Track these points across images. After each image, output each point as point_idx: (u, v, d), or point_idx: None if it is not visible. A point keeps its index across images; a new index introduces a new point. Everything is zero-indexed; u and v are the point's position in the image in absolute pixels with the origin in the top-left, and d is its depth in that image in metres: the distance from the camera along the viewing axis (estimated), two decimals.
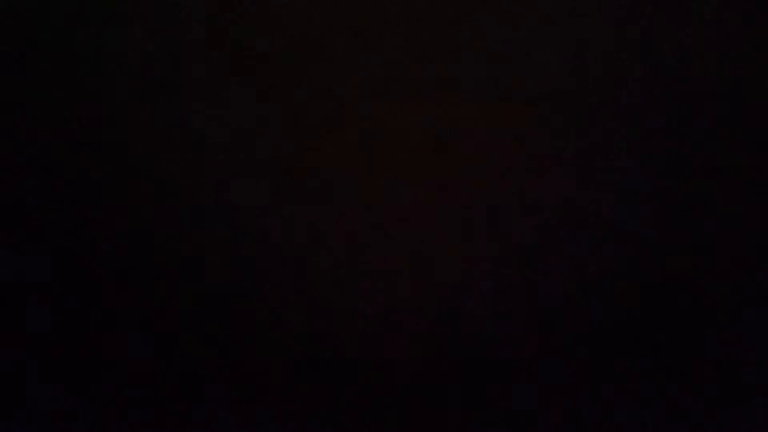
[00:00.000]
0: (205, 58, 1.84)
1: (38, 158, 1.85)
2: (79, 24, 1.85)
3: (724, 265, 1.80)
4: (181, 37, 1.85)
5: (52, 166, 1.85)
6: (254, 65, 1.84)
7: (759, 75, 1.81)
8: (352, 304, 1.83)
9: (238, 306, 1.83)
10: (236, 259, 1.83)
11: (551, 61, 1.82)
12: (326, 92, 1.84)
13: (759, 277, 1.80)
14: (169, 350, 1.83)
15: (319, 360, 1.82)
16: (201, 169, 1.84)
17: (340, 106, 1.84)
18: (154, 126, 1.85)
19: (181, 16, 1.85)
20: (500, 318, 1.82)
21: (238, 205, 1.84)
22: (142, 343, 1.83)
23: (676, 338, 1.81)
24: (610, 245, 1.81)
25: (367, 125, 1.83)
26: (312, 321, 1.83)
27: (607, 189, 1.82)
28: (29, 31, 1.85)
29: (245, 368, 1.83)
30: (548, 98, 1.82)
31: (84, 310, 1.84)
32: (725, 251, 1.81)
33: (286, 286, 1.83)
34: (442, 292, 1.82)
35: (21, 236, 1.84)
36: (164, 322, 1.83)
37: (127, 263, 1.84)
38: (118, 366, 1.83)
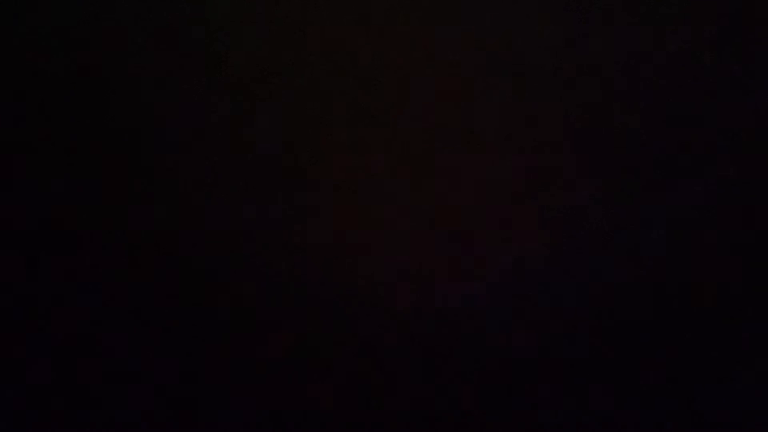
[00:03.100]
0: (204, 59, 1.85)
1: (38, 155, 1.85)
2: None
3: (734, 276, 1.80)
4: (180, 35, 1.85)
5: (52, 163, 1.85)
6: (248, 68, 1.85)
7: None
8: (350, 307, 1.83)
9: (237, 306, 1.83)
10: (234, 259, 1.83)
11: (560, 63, 1.82)
12: (329, 93, 1.84)
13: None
14: (168, 349, 1.83)
15: (318, 360, 1.83)
16: (201, 172, 1.84)
17: (344, 104, 1.84)
18: (153, 124, 1.85)
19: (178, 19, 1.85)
20: (500, 323, 1.82)
21: (237, 206, 1.84)
22: (140, 342, 1.83)
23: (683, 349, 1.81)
24: (615, 252, 1.81)
25: (368, 124, 1.83)
26: (314, 321, 1.83)
27: (612, 195, 1.82)
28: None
29: (242, 368, 1.83)
30: (555, 102, 1.82)
31: (84, 310, 1.84)
32: (735, 260, 1.81)
33: (285, 286, 1.83)
34: (441, 296, 1.82)
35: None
36: (163, 322, 1.83)
37: (127, 262, 1.84)
38: (116, 364, 1.83)
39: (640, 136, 1.82)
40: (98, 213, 1.84)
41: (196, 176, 1.84)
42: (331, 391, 1.81)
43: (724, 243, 1.80)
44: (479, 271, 1.81)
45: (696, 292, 1.80)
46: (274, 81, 1.84)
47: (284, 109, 1.84)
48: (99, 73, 1.85)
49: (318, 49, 1.84)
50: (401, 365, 1.81)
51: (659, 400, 1.80)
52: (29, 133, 1.85)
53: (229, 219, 1.83)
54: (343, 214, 1.83)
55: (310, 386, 1.82)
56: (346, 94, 1.83)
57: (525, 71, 1.82)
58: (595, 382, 1.80)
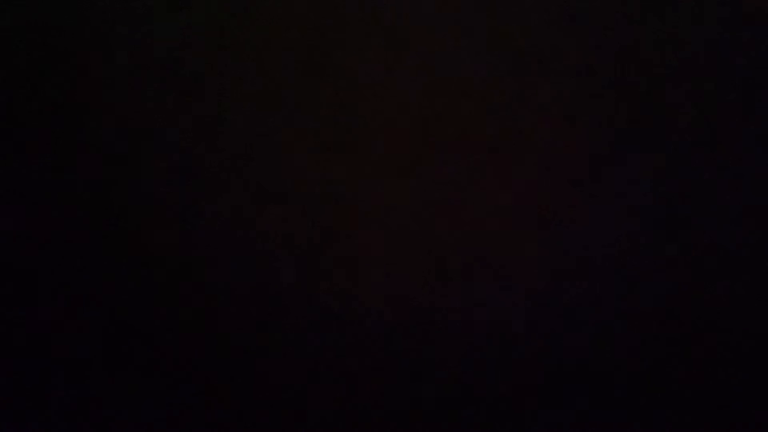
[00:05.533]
0: (204, 58, 1.85)
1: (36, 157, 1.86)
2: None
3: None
4: (180, 35, 1.85)
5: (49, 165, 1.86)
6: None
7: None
8: (352, 307, 1.83)
9: (236, 306, 1.84)
10: (233, 258, 1.84)
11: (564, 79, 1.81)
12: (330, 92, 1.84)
13: None
14: (168, 350, 1.84)
15: (318, 361, 1.83)
16: (199, 169, 1.85)
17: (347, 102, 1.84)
18: (150, 125, 1.85)
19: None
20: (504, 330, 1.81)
21: (235, 203, 1.84)
22: (139, 347, 1.84)
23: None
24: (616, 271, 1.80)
25: (370, 117, 1.83)
26: (315, 321, 1.83)
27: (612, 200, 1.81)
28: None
29: (242, 368, 1.83)
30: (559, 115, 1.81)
31: (84, 310, 1.85)
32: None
33: (286, 284, 1.83)
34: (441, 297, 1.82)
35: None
36: (162, 322, 1.84)
37: (126, 263, 1.85)
38: (117, 365, 1.84)
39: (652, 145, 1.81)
40: (95, 216, 1.85)
41: (188, 179, 1.84)
42: (329, 395, 1.82)
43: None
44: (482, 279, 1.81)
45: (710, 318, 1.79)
46: (270, 82, 1.84)
47: (280, 112, 1.84)
48: (85, 74, 1.86)
49: (317, 49, 1.84)
50: (401, 368, 1.82)
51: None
52: (21, 134, 1.86)
53: (225, 222, 1.84)
54: (341, 216, 1.83)
55: (307, 388, 1.82)
56: (345, 96, 1.83)
57: (528, 73, 1.82)
58: (609, 398, 1.80)
